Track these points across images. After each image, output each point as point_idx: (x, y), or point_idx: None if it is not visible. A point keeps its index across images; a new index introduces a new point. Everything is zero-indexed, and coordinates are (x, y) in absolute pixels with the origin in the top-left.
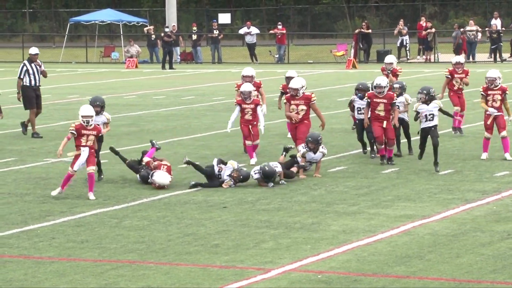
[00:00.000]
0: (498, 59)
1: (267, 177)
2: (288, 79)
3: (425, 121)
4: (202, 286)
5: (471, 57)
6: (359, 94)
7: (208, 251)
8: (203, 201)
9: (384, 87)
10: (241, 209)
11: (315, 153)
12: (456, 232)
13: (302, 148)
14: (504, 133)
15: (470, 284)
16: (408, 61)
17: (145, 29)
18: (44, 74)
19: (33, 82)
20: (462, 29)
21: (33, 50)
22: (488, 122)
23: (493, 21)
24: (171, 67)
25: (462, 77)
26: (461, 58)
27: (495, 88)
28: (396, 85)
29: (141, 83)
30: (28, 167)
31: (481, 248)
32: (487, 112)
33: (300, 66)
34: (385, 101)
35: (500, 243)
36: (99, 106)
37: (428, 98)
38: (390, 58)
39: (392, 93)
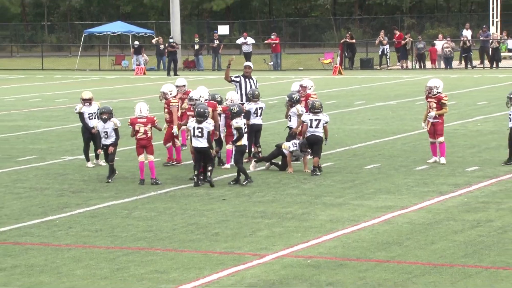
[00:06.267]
0: (469, 66)
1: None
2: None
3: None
4: (204, 270)
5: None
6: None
7: (209, 239)
8: (205, 194)
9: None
10: (238, 201)
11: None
12: (431, 221)
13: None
14: (441, 139)
15: (444, 267)
16: (389, 68)
17: (153, 40)
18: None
19: (243, 99)
20: (446, 42)
21: (248, 63)
22: (428, 128)
23: (465, 32)
24: (175, 74)
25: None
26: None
27: (432, 96)
28: (286, 98)
29: (148, 88)
30: (47, 164)
31: (454, 235)
32: (428, 118)
33: (291, 73)
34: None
35: (470, 230)
36: (106, 113)
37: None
38: (181, 81)
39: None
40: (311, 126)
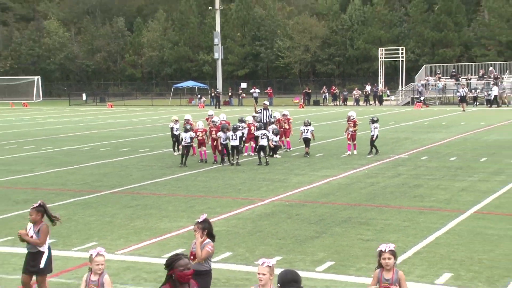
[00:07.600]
0: (368, 104)
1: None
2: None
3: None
4: (233, 207)
5: (356, 104)
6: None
7: (236, 192)
8: (234, 169)
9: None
10: (252, 172)
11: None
12: (349, 182)
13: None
14: (355, 142)
15: (355, 206)
16: (327, 105)
17: (213, 90)
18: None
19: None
20: (356, 91)
21: (265, 102)
22: (348, 137)
23: (367, 86)
24: (219, 107)
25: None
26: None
27: (350, 120)
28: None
29: (205, 114)
30: (154, 153)
31: (360, 190)
32: (347, 131)
33: (278, 107)
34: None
35: (369, 187)
36: (187, 129)
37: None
38: (211, 112)
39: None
40: (303, 133)
